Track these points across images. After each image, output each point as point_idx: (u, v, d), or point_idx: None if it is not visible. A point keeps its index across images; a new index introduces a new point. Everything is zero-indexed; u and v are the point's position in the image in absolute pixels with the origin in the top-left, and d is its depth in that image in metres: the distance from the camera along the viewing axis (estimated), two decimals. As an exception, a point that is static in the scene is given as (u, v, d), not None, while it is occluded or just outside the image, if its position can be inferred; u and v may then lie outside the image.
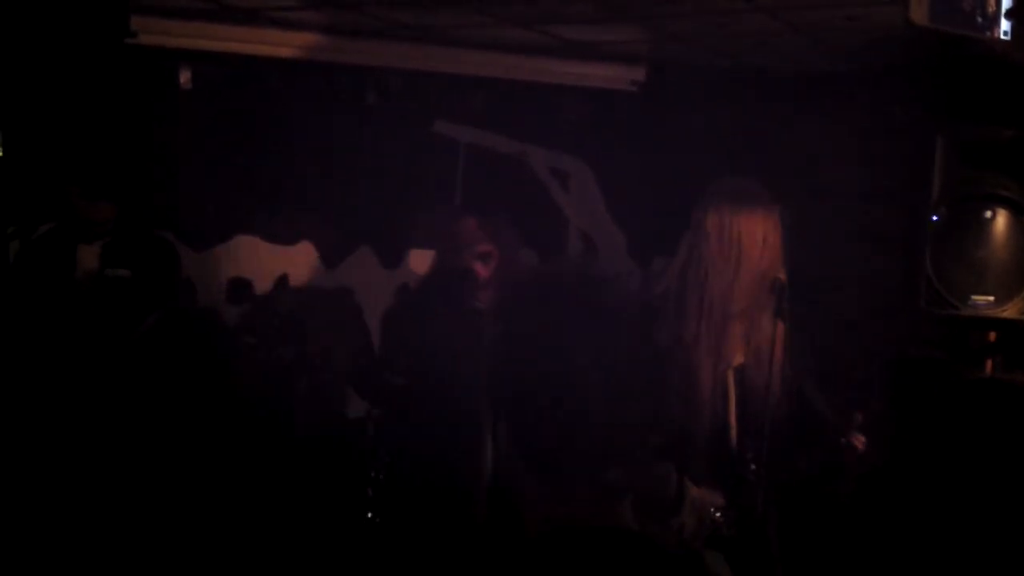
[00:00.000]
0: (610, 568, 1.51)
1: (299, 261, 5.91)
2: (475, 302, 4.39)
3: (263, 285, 5.84)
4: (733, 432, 3.77)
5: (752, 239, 3.81)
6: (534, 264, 5.45)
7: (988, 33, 3.37)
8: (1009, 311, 4.24)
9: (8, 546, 4.41)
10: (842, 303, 5.51)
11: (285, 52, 5.50)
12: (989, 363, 4.61)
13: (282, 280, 5.87)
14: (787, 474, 3.86)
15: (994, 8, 3.38)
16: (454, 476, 4.25)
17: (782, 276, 3.74)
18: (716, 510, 3.71)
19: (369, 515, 4.59)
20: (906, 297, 4.84)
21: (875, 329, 5.38)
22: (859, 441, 3.86)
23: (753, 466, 3.78)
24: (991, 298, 4.27)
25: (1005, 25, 3.40)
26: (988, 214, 4.27)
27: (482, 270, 4.46)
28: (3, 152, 5.65)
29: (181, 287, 5.24)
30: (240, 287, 5.73)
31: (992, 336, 4.55)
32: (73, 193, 4.84)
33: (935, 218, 4.36)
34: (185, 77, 5.54)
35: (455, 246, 4.53)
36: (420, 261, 5.94)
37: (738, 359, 3.83)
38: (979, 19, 3.37)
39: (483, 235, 4.53)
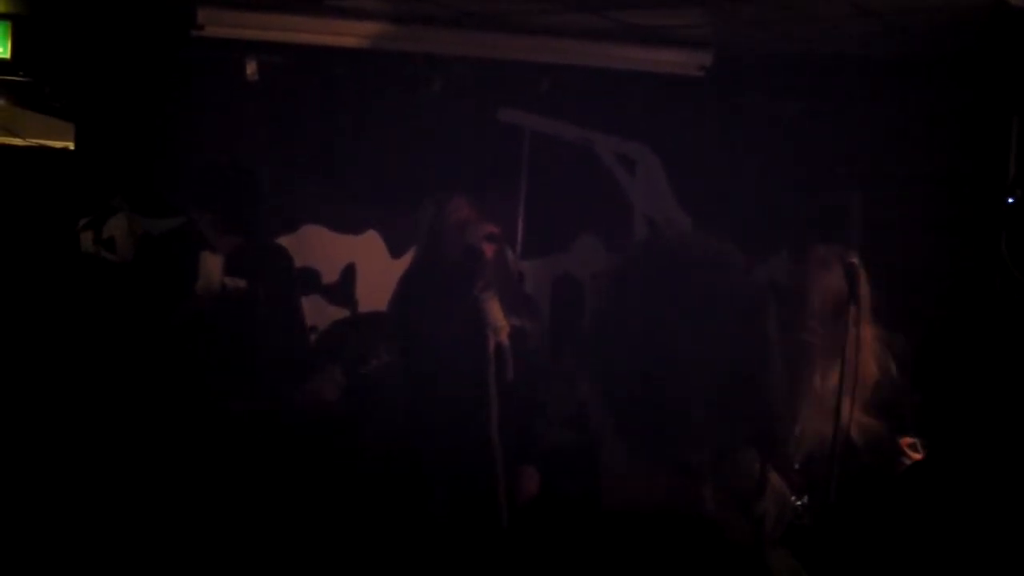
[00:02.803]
0: (670, 554, 1.50)
1: (366, 250, 5.93)
2: (479, 285, 4.32)
3: (330, 275, 5.87)
4: (797, 431, 3.81)
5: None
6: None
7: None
8: (1089, 295, 4.16)
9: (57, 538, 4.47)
10: (915, 290, 5.42)
11: (350, 41, 5.51)
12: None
13: (349, 269, 5.90)
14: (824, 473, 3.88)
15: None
16: (460, 462, 4.27)
17: (854, 259, 3.69)
18: (797, 499, 3.70)
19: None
20: (981, 283, 4.77)
21: (950, 315, 5.29)
22: (912, 454, 3.89)
23: (797, 465, 3.82)
24: (1070, 282, 4.19)
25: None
26: (1065, 197, 4.19)
27: (489, 251, 4.43)
28: (76, 145, 5.73)
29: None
30: (308, 277, 5.76)
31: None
32: (202, 218, 4.79)
33: (1010, 201, 4.28)
34: (252, 68, 5.57)
35: (450, 227, 4.49)
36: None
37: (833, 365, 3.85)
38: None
39: (476, 213, 4.50)
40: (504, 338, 4.22)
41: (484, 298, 4.24)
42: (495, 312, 4.22)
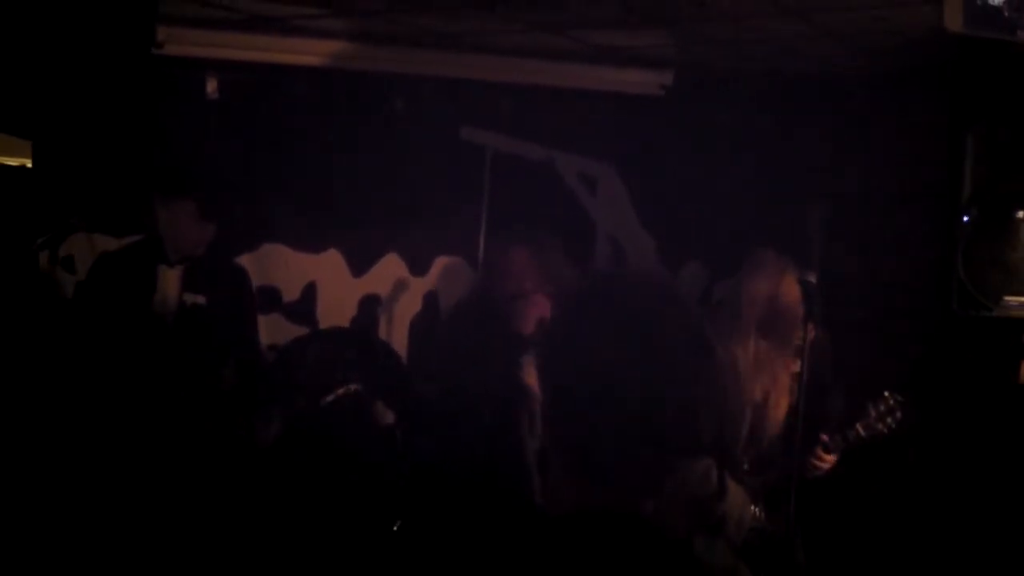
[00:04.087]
0: (599, 549, 1.54)
1: (327, 268, 5.92)
2: (518, 327, 4.29)
3: (291, 293, 5.85)
4: (743, 438, 3.89)
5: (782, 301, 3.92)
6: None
7: (1022, 33, 3.33)
8: (1043, 312, 4.21)
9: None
10: (871, 306, 5.47)
11: (311, 60, 5.51)
12: (1023, 365, 4.58)
13: (310, 288, 5.88)
14: (771, 477, 3.95)
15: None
16: (491, 488, 4.24)
17: (812, 278, 3.74)
18: (755, 505, 3.76)
19: (395, 526, 4.58)
20: (937, 299, 4.81)
21: (905, 332, 5.33)
22: (824, 461, 3.99)
23: (746, 466, 3.90)
24: (1024, 299, 4.23)
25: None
26: (1021, 214, 4.24)
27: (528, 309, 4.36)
28: (33, 163, 5.69)
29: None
30: (268, 296, 5.74)
31: (1025, 338, 4.52)
32: (181, 211, 4.75)
33: (966, 219, 4.33)
34: (212, 86, 5.55)
35: (503, 274, 4.44)
36: (448, 268, 5.94)
37: (772, 375, 3.93)
38: (1012, 21, 3.33)
39: (535, 265, 4.44)
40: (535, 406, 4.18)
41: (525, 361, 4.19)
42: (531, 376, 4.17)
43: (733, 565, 1.67)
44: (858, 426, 4.08)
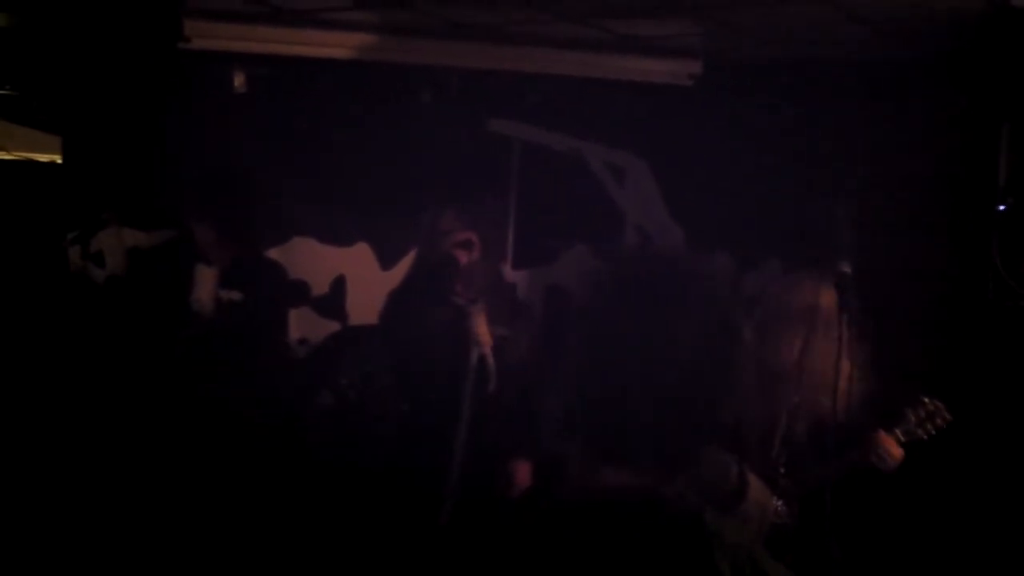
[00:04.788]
0: (619, 530, 1.54)
1: (356, 262, 5.91)
2: (455, 293, 4.41)
3: (320, 287, 5.85)
4: (778, 436, 3.85)
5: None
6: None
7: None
8: (1081, 301, 4.16)
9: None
10: (906, 296, 5.42)
11: (339, 53, 5.49)
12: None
13: (339, 281, 5.87)
14: (810, 475, 3.92)
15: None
16: (422, 469, 4.32)
17: (846, 269, 3.69)
18: (779, 500, 3.73)
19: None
20: (972, 289, 4.76)
21: (940, 323, 5.29)
22: (892, 454, 3.96)
23: (783, 469, 3.86)
24: (1063, 288, 4.19)
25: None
26: (1057, 202, 4.19)
27: (462, 258, 4.48)
28: (63, 159, 5.71)
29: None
30: (297, 290, 5.74)
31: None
32: (198, 231, 4.77)
33: (1002, 208, 4.28)
34: (239, 80, 5.54)
35: (434, 237, 4.56)
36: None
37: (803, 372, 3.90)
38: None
39: (461, 224, 4.54)
40: (487, 351, 4.28)
41: (472, 311, 4.30)
42: (480, 325, 4.28)
43: (752, 543, 1.66)
44: (897, 431, 4.04)
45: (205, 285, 4.70)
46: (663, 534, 1.56)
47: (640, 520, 1.57)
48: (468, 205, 4.68)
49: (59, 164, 5.74)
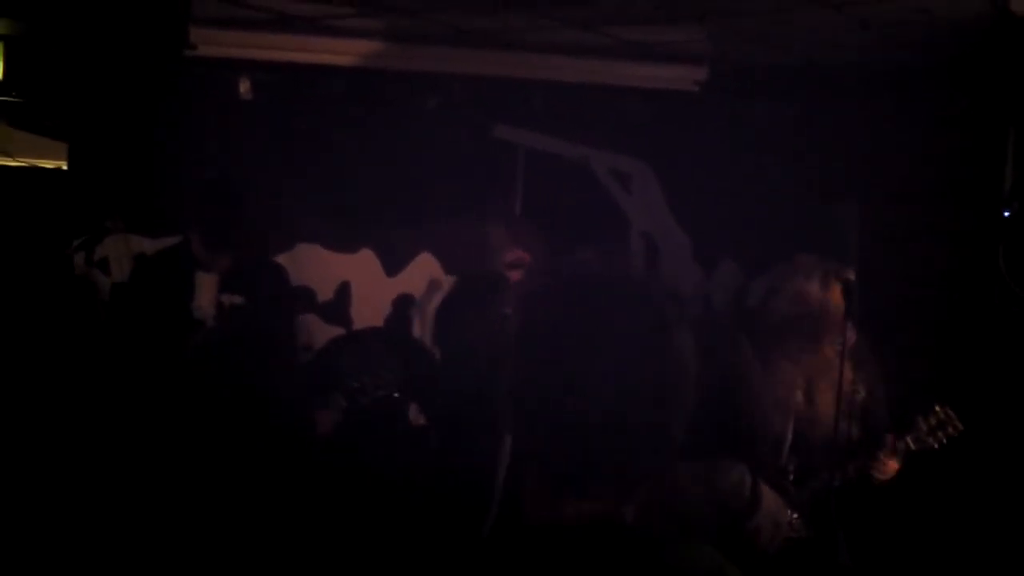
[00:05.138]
0: (580, 560, 1.51)
1: (361, 268, 5.91)
2: (505, 308, 4.43)
3: (325, 293, 5.84)
4: (787, 444, 3.85)
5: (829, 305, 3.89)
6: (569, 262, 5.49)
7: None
8: (1087, 307, 4.15)
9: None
10: (911, 302, 5.40)
11: (344, 60, 5.50)
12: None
13: (344, 288, 5.87)
14: (818, 483, 3.90)
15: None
16: (468, 480, 4.30)
17: (851, 276, 3.69)
18: (793, 513, 3.71)
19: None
20: (978, 295, 4.74)
21: (945, 327, 5.27)
22: (890, 466, 3.94)
23: (791, 476, 3.85)
24: (1068, 294, 4.17)
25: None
26: (1063, 208, 4.17)
27: (514, 276, 4.51)
28: (69, 165, 5.71)
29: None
30: (302, 296, 5.73)
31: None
32: (200, 237, 4.77)
33: (1007, 213, 4.27)
34: (245, 87, 5.55)
35: (485, 252, 4.58)
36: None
37: (809, 379, 3.89)
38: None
39: (512, 241, 4.56)
40: None
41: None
42: None
43: (719, 568, 1.62)
44: (908, 439, 4.02)
45: (206, 291, 4.69)
46: (621, 572, 1.53)
47: (600, 551, 1.54)
48: (517, 223, 4.70)
49: (65, 171, 5.74)
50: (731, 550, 1.80)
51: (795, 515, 3.75)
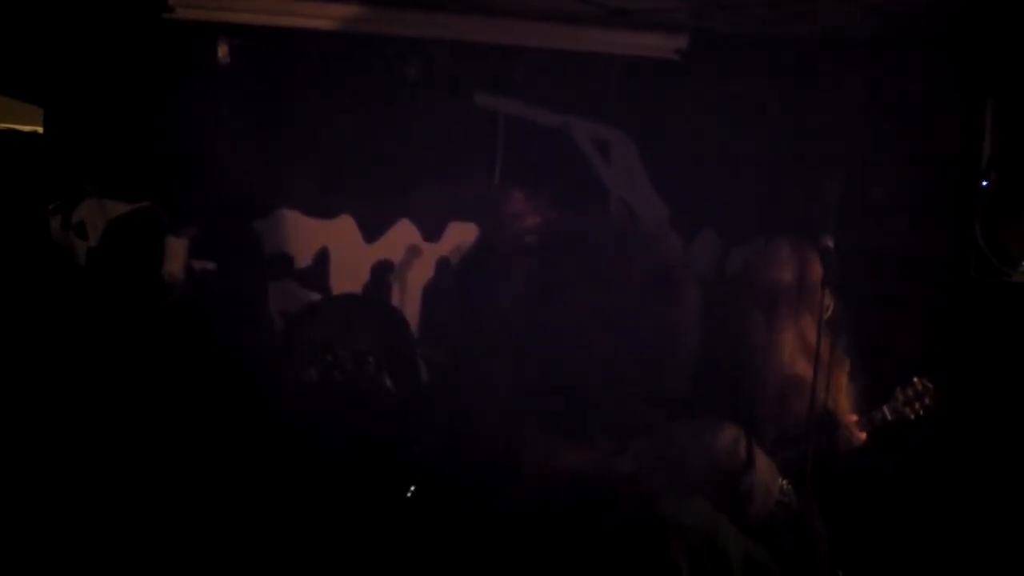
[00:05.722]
0: (574, 512, 1.52)
1: (339, 234, 5.89)
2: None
3: (304, 259, 5.83)
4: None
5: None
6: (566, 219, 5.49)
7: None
8: (1063, 278, 4.17)
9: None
10: (888, 272, 5.43)
11: (324, 24, 5.46)
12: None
13: (322, 254, 5.85)
14: (791, 453, 3.92)
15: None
16: (488, 454, 4.26)
17: (830, 243, 3.69)
18: (784, 478, 3.73)
19: (409, 492, 4.58)
20: (955, 266, 4.76)
21: (923, 299, 5.29)
22: (856, 436, 3.96)
23: (768, 444, 3.87)
24: (1044, 265, 4.19)
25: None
26: (1041, 179, 4.18)
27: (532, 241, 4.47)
28: (45, 129, 5.67)
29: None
30: (280, 262, 5.72)
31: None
32: (173, 201, 4.75)
33: (984, 184, 4.28)
34: (223, 51, 5.51)
35: (503, 219, 4.52)
36: (461, 234, 5.91)
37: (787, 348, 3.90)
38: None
39: (531, 208, 4.52)
40: None
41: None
42: None
43: (712, 523, 1.62)
44: (885, 409, 4.05)
45: (176, 255, 4.68)
46: (616, 522, 1.53)
47: (595, 505, 1.54)
48: (534, 187, 4.66)
49: (41, 135, 5.69)
50: (728, 508, 1.81)
51: (786, 481, 3.77)
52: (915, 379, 4.07)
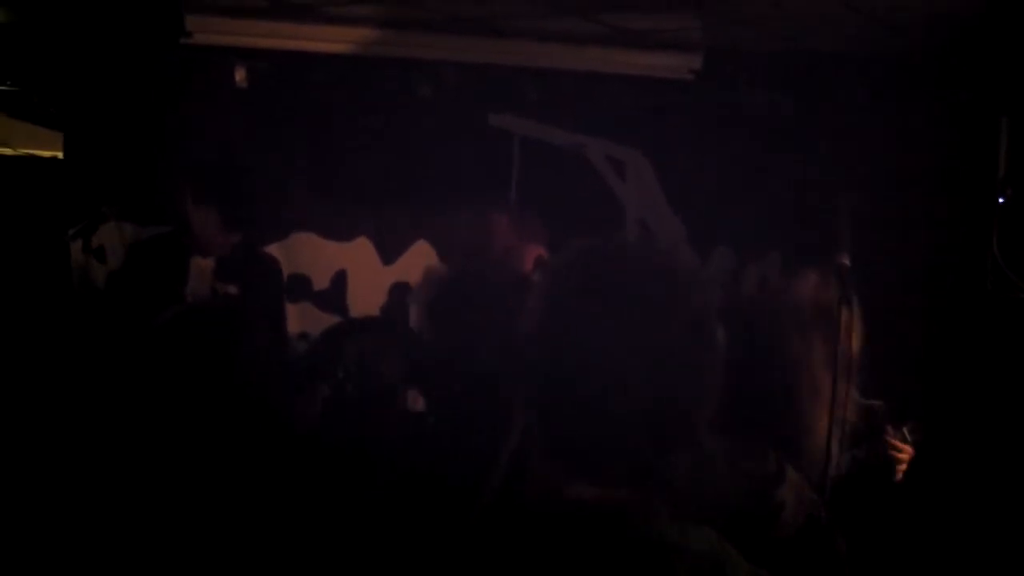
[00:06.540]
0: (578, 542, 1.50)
1: (356, 256, 5.92)
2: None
3: (321, 281, 5.85)
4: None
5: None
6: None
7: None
8: (1080, 293, 4.16)
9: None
10: (906, 289, 5.42)
11: (339, 48, 5.51)
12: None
13: (340, 276, 5.88)
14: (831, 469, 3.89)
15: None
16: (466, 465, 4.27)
17: (845, 261, 3.69)
18: (815, 492, 3.71)
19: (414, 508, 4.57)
20: (972, 281, 4.77)
21: (939, 314, 5.29)
22: (905, 450, 3.94)
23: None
24: (1061, 280, 4.19)
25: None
26: (1057, 194, 4.19)
27: (536, 277, 4.46)
28: (65, 154, 5.72)
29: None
30: (298, 285, 5.74)
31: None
32: (195, 222, 4.77)
33: (1001, 200, 4.28)
34: (241, 75, 5.56)
35: (509, 244, 4.51)
36: (476, 255, 5.93)
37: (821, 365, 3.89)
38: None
39: (526, 235, 4.51)
40: None
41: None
42: None
43: (719, 551, 1.59)
44: (904, 430, 4.02)
45: (201, 277, 4.70)
46: (623, 551, 1.51)
47: (600, 534, 1.52)
48: (550, 207, 4.63)
49: (61, 160, 5.74)
50: (756, 523, 1.78)
51: (816, 497, 3.75)
52: (901, 427, 4.03)
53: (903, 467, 4.04)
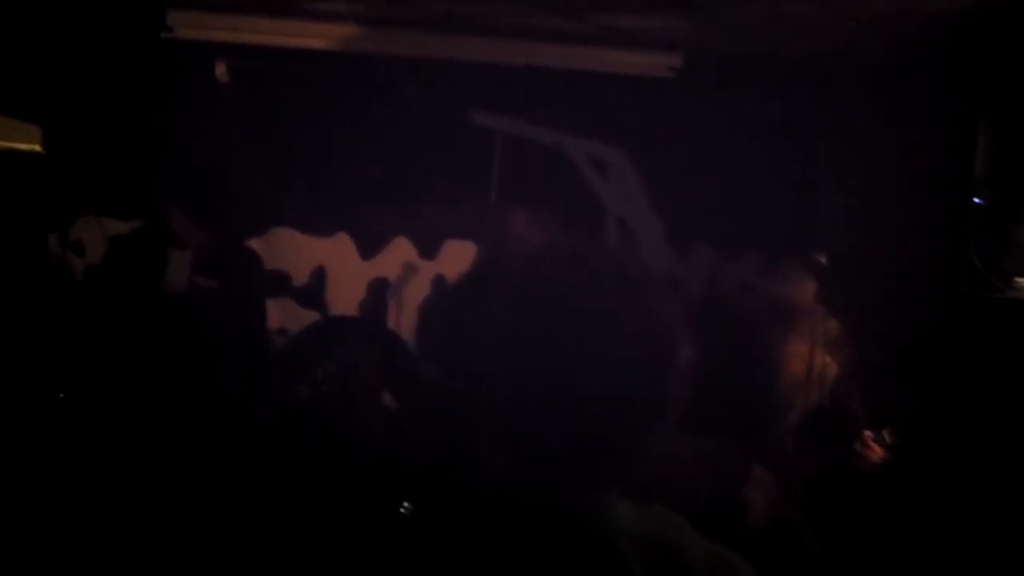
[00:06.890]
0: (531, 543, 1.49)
1: (336, 253, 5.92)
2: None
3: (300, 277, 5.85)
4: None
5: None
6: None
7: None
8: (1056, 294, 4.19)
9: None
10: (882, 289, 5.44)
11: (321, 44, 5.50)
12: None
13: (319, 272, 5.87)
14: (806, 468, 3.91)
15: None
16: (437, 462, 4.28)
17: (822, 260, 3.72)
18: (784, 495, 3.72)
19: (402, 508, 4.57)
20: (949, 282, 4.78)
21: (916, 316, 5.31)
22: (875, 452, 3.96)
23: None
24: (1038, 281, 4.21)
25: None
26: (1033, 196, 4.21)
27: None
28: (43, 148, 5.69)
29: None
30: (278, 280, 5.74)
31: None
32: (173, 216, 4.76)
33: (978, 201, 4.30)
34: (221, 70, 5.55)
35: (506, 240, 4.49)
36: (457, 252, 5.93)
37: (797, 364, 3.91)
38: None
39: (535, 231, 4.49)
40: None
41: None
42: None
43: (671, 529, 1.58)
44: (884, 433, 4.04)
45: (179, 269, 4.69)
46: (572, 548, 1.50)
47: (548, 533, 1.51)
48: (531, 205, 4.63)
49: (39, 153, 5.71)
50: (722, 522, 1.78)
51: (784, 497, 3.76)
52: (880, 430, 4.05)
53: (875, 467, 4.06)
